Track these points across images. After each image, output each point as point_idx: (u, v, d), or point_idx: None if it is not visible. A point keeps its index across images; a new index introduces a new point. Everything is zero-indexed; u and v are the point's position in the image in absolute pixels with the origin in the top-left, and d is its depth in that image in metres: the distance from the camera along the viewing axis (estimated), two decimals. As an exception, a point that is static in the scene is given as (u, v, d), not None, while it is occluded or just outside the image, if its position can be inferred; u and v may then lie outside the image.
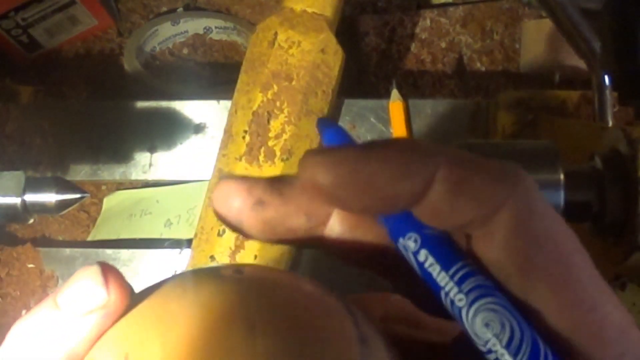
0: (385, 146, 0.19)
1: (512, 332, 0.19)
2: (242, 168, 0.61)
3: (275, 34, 0.63)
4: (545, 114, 0.68)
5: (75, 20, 0.82)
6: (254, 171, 0.61)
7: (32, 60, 0.83)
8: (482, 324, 0.19)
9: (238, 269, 0.21)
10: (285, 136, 0.61)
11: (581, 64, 0.66)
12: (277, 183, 0.21)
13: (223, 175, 0.20)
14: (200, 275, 0.21)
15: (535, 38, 0.79)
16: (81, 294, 0.20)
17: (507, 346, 0.18)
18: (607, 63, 0.54)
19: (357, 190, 0.19)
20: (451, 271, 0.19)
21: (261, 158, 0.61)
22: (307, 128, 0.62)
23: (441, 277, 0.19)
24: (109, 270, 0.20)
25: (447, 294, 0.19)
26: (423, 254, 0.20)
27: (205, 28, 0.85)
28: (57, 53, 0.84)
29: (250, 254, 0.58)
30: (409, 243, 0.20)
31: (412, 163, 0.19)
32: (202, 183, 0.68)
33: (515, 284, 0.19)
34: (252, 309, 0.19)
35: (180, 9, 0.86)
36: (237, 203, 0.21)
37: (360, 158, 0.19)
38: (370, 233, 0.21)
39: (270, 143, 0.61)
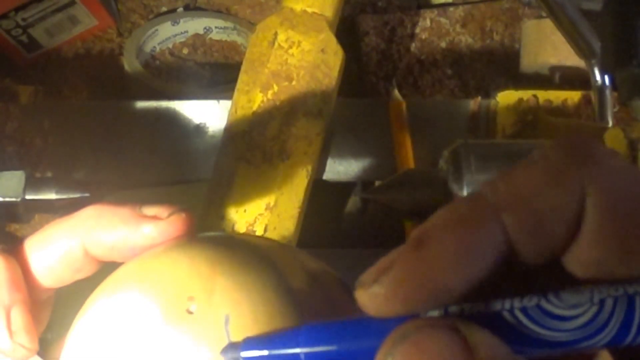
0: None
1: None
2: (242, 168, 0.61)
3: (275, 34, 0.63)
4: (545, 114, 0.68)
5: (75, 20, 0.82)
6: (252, 171, 0.61)
7: (32, 60, 0.83)
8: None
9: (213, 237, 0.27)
10: (284, 136, 0.61)
11: (581, 64, 0.66)
12: None
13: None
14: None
15: (535, 38, 0.79)
16: None
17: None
18: (607, 63, 0.54)
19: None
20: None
21: (260, 158, 0.61)
22: (306, 128, 0.62)
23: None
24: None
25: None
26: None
27: (205, 28, 0.85)
28: (57, 53, 0.84)
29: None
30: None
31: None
32: (202, 183, 0.68)
33: (624, 276, 0.18)
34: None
35: (180, 9, 0.86)
36: None
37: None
38: None
39: (270, 143, 0.61)
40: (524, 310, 0.18)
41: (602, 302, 0.18)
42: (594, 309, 0.18)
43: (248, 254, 0.25)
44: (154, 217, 0.26)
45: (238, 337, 0.22)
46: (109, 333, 0.24)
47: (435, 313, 0.19)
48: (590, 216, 0.18)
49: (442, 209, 0.19)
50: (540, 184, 0.18)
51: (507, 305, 0.18)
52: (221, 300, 0.23)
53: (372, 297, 0.18)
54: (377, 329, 0.19)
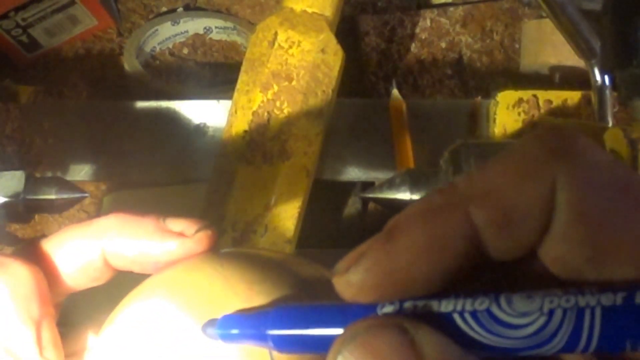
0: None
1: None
2: (242, 168, 0.61)
3: (275, 34, 0.63)
4: (545, 114, 0.68)
5: (75, 20, 0.82)
6: (253, 171, 0.61)
7: (32, 60, 0.83)
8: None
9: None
10: (284, 136, 0.61)
11: (581, 64, 0.66)
12: None
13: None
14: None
15: (535, 38, 0.79)
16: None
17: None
18: (607, 63, 0.54)
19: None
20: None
21: (260, 158, 0.61)
22: (306, 128, 0.62)
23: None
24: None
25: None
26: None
27: (205, 28, 0.85)
28: (57, 53, 0.84)
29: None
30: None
31: None
32: (202, 183, 0.68)
33: (592, 277, 0.17)
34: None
35: (180, 9, 0.86)
36: None
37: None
38: None
39: (270, 143, 0.61)
40: (474, 314, 0.18)
41: (551, 313, 0.17)
42: (543, 319, 0.17)
43: (282, 274, 0.25)
44: (180, 234, 0.26)
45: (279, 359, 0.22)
46: (142, 345, 0.23)
47: (390, 309, 0.19)
48: (559, 212, 0.17)
49: (419, 199, 0.19)
50: (511, 177, 0.18)
51: (459, 306, 0.18)
52: None
53: (346, 284, 0.19)
54: (346, 316, 0.19)
